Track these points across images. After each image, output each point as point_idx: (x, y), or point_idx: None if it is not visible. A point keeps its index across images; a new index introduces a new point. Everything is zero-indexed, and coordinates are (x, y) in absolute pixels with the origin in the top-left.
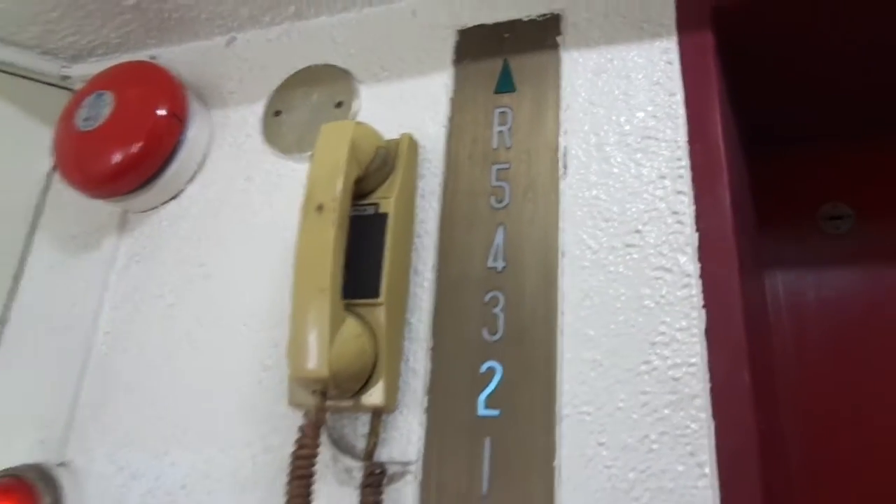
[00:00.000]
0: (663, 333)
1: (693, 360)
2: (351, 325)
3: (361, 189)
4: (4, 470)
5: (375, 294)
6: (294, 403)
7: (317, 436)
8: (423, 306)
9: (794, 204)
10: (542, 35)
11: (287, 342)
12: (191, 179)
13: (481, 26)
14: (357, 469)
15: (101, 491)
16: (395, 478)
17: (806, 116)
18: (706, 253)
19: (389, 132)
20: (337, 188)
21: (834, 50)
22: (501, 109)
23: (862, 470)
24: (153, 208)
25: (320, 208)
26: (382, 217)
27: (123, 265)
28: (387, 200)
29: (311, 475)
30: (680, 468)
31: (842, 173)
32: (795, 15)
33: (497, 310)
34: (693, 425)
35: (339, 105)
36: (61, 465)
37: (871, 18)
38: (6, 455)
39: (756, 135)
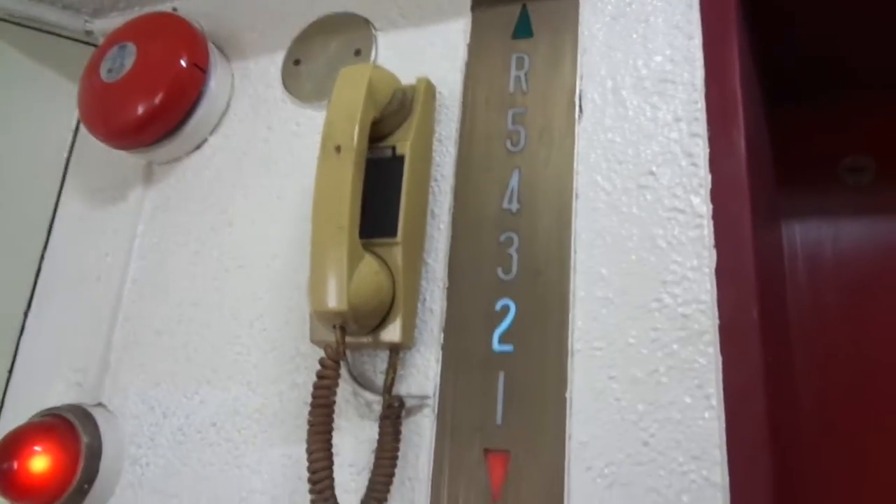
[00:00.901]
0: (674, 272)
1: (703, 297)
2: (369, 263)
3: (379, 131)
4: (47, 410)
5: (393, 234)
6: (315, 340)
7: (337, 367)
8: (439, 247)
9: (815, 156)
10: None
11: (307, 280)
12: (213, 130)
13: None
14: (376, 403)
15: (136, 429)
16: (412, 411)
17: (829, 68)
18: (718, 194)
19: (407, 78)
20: (355, 129)
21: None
22: (519, 55)
23: (872, 417)
24: (177, 159)
25: (338, 149)
26: (399, 159)
27: (150, 215)
28: (404, 143)
29: (331, 404)
30: (687, 400)
31: (864, 126)
32: None
33: (511, 250)
34: (701, 360)
35: (357, 53)
36: (98, 405)
37: None
38: (47, 397)
39: (778, 86)
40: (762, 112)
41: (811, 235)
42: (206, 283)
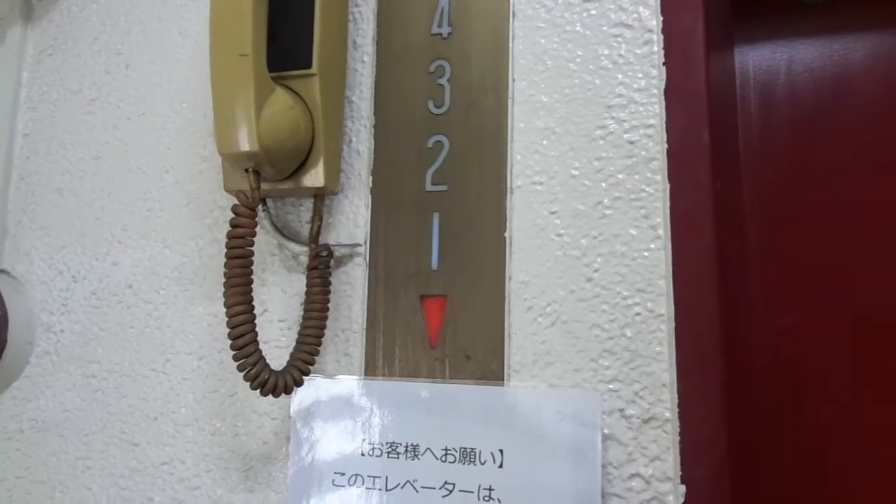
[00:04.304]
0: (621, 95)
1: (651, 121)
2: (281, 97)
3: None
4: None
5: (307, 64)
6: (230, 189)
7: (253, 215)
8: (363, 82)
9: None
10: None
11: (213, 119)
12: None
13: None
14: (303, 254)
15: (45, 295)
16: (343, 261)
17: None
18: (669, 4)
19: None
20: None
21: None
22: None
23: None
24: None
25: None
26: None
27: (34, 59)
28: None
29: (248, 255)
30: (633, 231)
31: None
32: None
33: (443, 80)
34: (648, 188)
35: None
36: (0, 272)
37: None
38: None
39: None
40: None
41: (765, 61)
42: (106, 134)
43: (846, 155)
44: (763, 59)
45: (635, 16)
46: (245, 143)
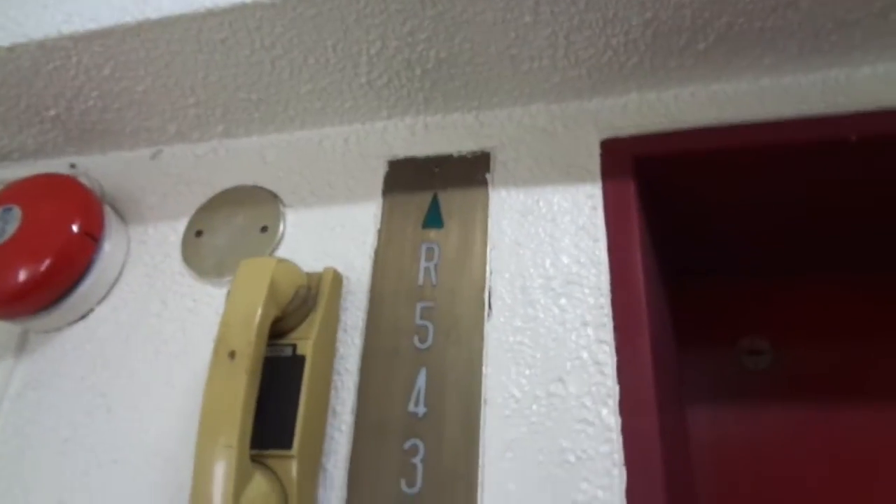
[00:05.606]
0: (585, 492)
1: None
2: (258, 484)
3: (279, 328)
4: None
5: (288, 445)
6: None
7: None
8: (339, 451)
9: (715, 337)
10: (471, 170)
11: (189, 500)
12: (102, 299)
13: (412, 158)
14: None
15: None
16: None
17: (723, 256)
18: (627, 407)
19: (314, 261)
20: (252, 333)
21: (745, 201)
22: (429, 245)
23: None
24: (57, 329)
25: (232, 354)
26: (300, 360)
27: (17, 392)
28: (306, 342)
29: None
30: None
31: (759, 308)
32: (709, 169)
33: (416, 460)
34: None
35: (263, 230)
36: None
37: (775, 177)
38: None
39: (678, 270)
40: (664, 296)
41: (716, 419)
42: (73, 478)
43: None
44: (715, 419)
45: (596, 414)
46: None
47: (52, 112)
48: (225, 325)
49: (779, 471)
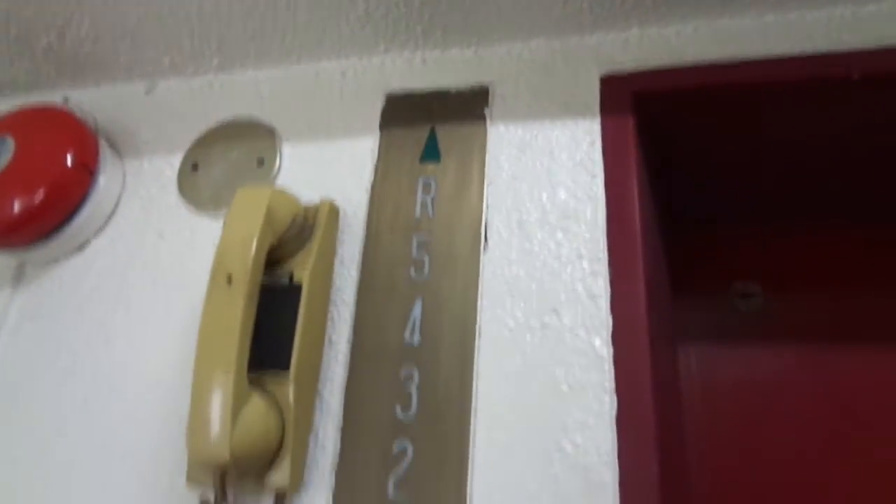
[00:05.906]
0: (576, 419)
1: (605, 447)
2: (256, 405)
3: (276, 257)
4: None
5: (285, 367)
6: (192, 481)
7: None
8: (335, 379)
9: (708, 281)
10: (469, 105)
11: (187, 421)
12: (98, 232)
13: (410, 93)
14: None
15: None
16: None
17: (719, 200)
18: (619, 338)
19: (311, 194)
20: (249, 258)
21: (743, 141)
22: (426, 179)
23: None
24: (54, 260)
25: (229, 279)
26: (297, 288)
27: (15, 323)
28: (302, 270)
29: None
30: None
31: (752, 253)
32: (709, 107)
33: (412, 387)
34: None
35: (260, 163)
36: None
37: (775, 117)
38: None
39: (673, 212)
40: (660, 238)
41: (706, 359)
42: (74, 407)
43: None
44: (705, 359)
45: (589, 344)
46: (216, 453)
47: (44, 41)
48: (222, 249)
49: (766, 410)
